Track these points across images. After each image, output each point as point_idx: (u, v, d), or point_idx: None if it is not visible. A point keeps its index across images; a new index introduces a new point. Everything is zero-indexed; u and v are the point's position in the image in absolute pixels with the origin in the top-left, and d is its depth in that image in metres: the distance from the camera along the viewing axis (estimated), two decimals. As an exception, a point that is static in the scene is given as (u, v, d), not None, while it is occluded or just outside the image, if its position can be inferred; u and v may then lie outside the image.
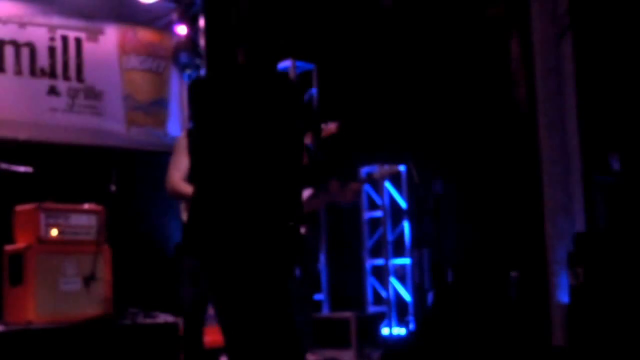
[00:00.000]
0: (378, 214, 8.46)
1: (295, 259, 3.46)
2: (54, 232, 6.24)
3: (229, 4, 3.64)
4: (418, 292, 7.94)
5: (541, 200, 7.19)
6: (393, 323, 8.11)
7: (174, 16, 8.44)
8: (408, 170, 8.13)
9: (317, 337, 6.84)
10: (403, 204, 8.34)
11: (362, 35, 8.29)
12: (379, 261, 8.38)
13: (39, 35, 7.58)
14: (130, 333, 6.10)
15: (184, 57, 8.38)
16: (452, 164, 7.70)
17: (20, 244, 6.21)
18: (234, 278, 3.28)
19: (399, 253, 8.28)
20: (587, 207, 7.17)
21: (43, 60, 7.58)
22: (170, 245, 7.56)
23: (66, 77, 7.71)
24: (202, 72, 8.47)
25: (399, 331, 8.05)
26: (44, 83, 7.58)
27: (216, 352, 5.78)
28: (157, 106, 8.30)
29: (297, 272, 4.57)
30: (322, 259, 8.39)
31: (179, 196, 4.87)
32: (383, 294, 8.31)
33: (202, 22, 8.52)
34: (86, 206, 6.48)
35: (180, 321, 5.69)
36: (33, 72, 7.53)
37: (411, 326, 7.95)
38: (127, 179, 6.70)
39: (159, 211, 7.54)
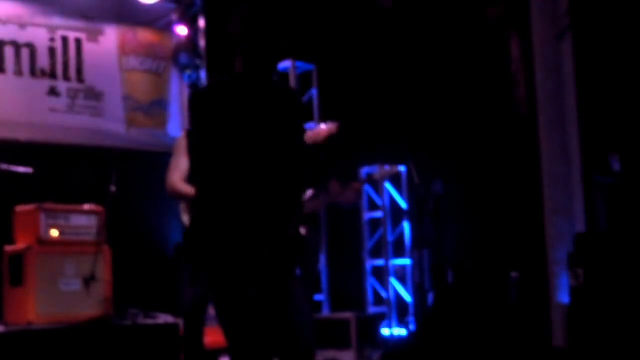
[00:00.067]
0: (378, 214, 8.45)
1: (296, 261, 3.46)
2: (54, 232, 6.24)
3: (229, 5, 3.64)
4: (418, 292, 7.93)
5: (541, 201, 7.19)
6: (393, 323, 8.11)
7: (174, 17, 8.44)
8: (408, 170, 8.12)
9: (317, 337, 6.83)
10: (403, 204, 8.34)
11: (362, 36, 8.29)
12: (379, 261, 8.38)
13: (39, 35, 7.58)
14: (130, 333, 6.09)
15: (183, 58, 8.38)
16: (452, 164, 7.69)
17: (20, 245, 6.21)
18: (235, 281, 3.28)
19: (399, 253, 8.28)
20: (587, 208, 7.17)
21: (43, 61, 7.58)
22: (170, 246, 7.55)
23: (66, 77, 7.71)
24: (202, 72, 8.46)
25: (399, 332, 8.05)
26: (44, 83, 7.58)
27: (216, 352, 5.78)
28: (157, 107, 8.30)
29: (298, 272, 4.56)
30: (322, 259, 8.38)
31: (179, 196, 4.87)
32: (383, 294, 8.31)
33: (202, 23, 8.52)
34: (86, 206, 6.48)
35: (180, 321, 5.69)
36: (33, 73, 7.53)
37: (411, 327, 7.95)
38: (127, 180, 6.70)
39: (158, 212, 7.54)
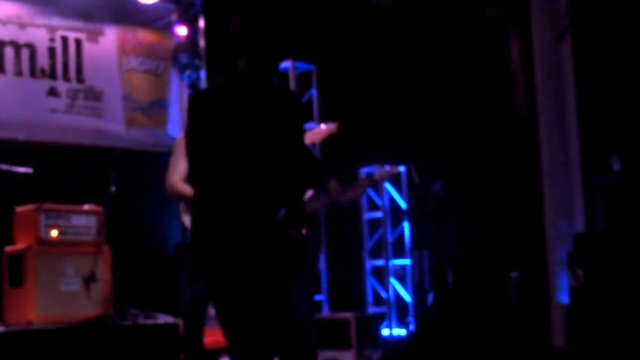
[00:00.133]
0: (378, 214, 8.45)
1: (296, 261, 3.46)
2: (54, 232, 6.24)
3: (229, 5, 3.64)
4: (418, 292, 7.93)
5: (541, 201, 7.19)
6: (393, 324, 8.11)
7: (174, 17, 8.43)
8: (408, 171, 8.11)
9: (318, 338, 6.83)
10: (403, 204, 8.34)
11: (362, 36, 8.29)
12: (379, 262, 8.38)
13: (38, 36, 7.58)
14: (130, 334, 6.09)
15: (183, 58, 8.37)
16: (452, 164, 7.70)
17: (20, 245, 6.21)
18: (235, 281, 3.28)
19: (399, 254, 8.28)
20: (587, 208, 7.17)
21: (43, 61, 7.57)
22: (170, 246, 7.55)
23: (66, 78, 7.71)
24: (202, 73, 8.46)
25: (399, 332, 8.05)
26: (44, 84, 7.57)
27: (216, 352, 5.78)
28: (157, 107, 8.30)
29: (298, 272, 4.56)
30: (322, 259, 8.38)
31: (179, 197, 4.87)
32: (383, 294, 8.31)
33: (201, 23, 8.51)
34: (86, 207, 6.47)
35: (180, 322, 5.69)
36: (33, 73, 7.52)
37: (411, 327, 7.95)
38: (127, 180, 6.69)
39: (158, 212, 7.54)
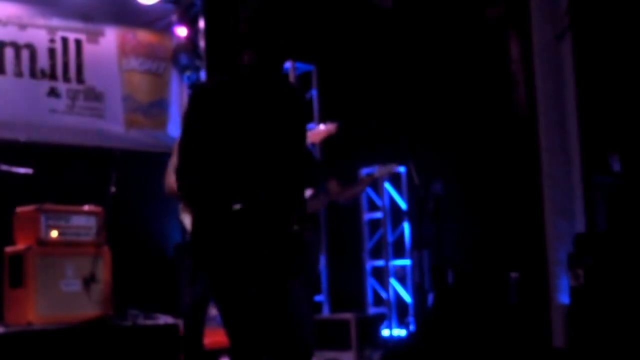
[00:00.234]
0: (378, 215, 8.45)
1: (296, 260, 3.46)
2: (54, 233, 6.24)
3: (229, 5, 3.62)
4: (418, 293, 7.93)
5: (541, 201, 7.19)
6: (393, 324, 8.11)
7: (174, 18, 8.44)
8: (408, 171, 8.12)
9: (318, 338, 6.83)
10: (403, 205, 8.33)
11: (362, 36, 8.29)
12: (379, 262, 8.38)
13: (39, 36, 7.58)
14: (131, 334, 6.09)
15: (183, 59, 8.37)
16: (452, 164, 7.70)
17: (20, 246, 6.21)
18: (235, 280, 3.28)
19: (399, 254, 8.28)
20: (587, 208, 7.17)
21: (43, 62, 7.58)
22: (170, 246, 7.56)
23: (66, 78, 7.71)
24: (202, 73, 8.46)
25: (399, 332, 8.04)
26: (44, 84, 7.58)
27: (216, 353, 5.78)
28: (157, 107, 8.30)
29: (299, 272, 4.57)
30: (322, 260, 8.38)
31: (178, 197, 4.87)
32: (383, 295, 8.31)
33: (202, 24, 8.51)
34: (86, 207, 6.48)
35: (180, 322, 5.69)
36: (33, 74, 7.53)
37: (411, 327, 7.94)
38: (127, 181, 6.69)
39: (158, 212, 7.54)
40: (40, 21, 7.60)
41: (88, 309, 6.22)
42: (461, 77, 7.70)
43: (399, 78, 8.10)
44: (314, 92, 8.59)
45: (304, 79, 8.58)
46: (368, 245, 8.53)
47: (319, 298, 8.37)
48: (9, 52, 7.40)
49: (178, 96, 8.40)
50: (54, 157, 7.43)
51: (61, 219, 6.32)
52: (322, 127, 5.56)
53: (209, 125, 3.35)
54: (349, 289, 8.48)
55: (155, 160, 7.29)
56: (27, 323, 5.93)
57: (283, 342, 3.32)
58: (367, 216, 8.56)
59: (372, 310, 8.31)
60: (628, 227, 6.73)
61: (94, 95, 7.86)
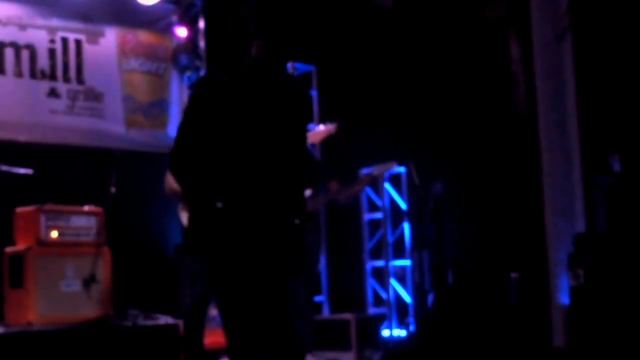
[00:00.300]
0: (378, 215, 8.45)
1: (296, 260, 3.46)
2: (54, 233, 6.25)
3: (229, 6, 3.60)
4: (418, 293, 7.93)
5: (541, 201, 7.19)
6: (393, 325, 8.10)
7: (174, 18, 8.44)
8: (408, 171, 8.12)
9: (318, 338, 6.83)
10: (403, 205, 8.33)
11: (362, 37, 8.29)
12: (379, 263, 8.38)
13: (39, 37, 7.58)
14: (131, 335, 6.09)
15: (184, 59, 8.37)
16: (452, 165, 7.70)
17: (20, 246, 6.22)
18: (235, 279, 3.27)
19: (399, 254, 8.28)
20: (587, 208, 7.16)
21: (43, 62, 7.58)
22: (170, 247, 7.56)
23: (66, 79, 7.71)
24: (202, 74, 8.45)
25: (400, 333, 8.04)
26: (44, 85, 7.58)
27: (216, 353, 5.78)
28: (157, 108, 8.30)
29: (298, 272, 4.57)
30: (323, 260, 8.38)
31: (178, 197, 4.87)
32: (383, 295, 8.31)
33: (202, 24, 8.51)
34: (86, 208, 6.48)
35: (180, 323, 5.69)
36: (33, 74, 7.53)
37: (411, 328, 7.94)
38: (127, 181, 6.69)
39: (158, 213, 7.54)
40: (40, 21, 7.60)
41: (88, 309, 6.22)
42: (461, 77, 7.70)
43: (399, 78, 8.10)
44: (314, 92, 8.59)
45: (304, 79, 8.57)
46: (368, 245, 8.53)
47: (319, 298, 8.37)
48: (9, 53, 7.40)
49: (178, 96, 8.40)
50: (54, 157, 7.43)
51: (61, 219, 6.33)
52: (322, 127, 5.57)
53: (210, 121, 3.31)
54: (349, 289, 8.48)
55: (155, 160, 7.29)
56: (27, 323, 5.93)
57: (281, 341, 3.31)
58: (367, 216, 8.56)
59: (372, 310, 8.31)
60: (628, 227, 6.72)
61: (94, 96, 7.86)
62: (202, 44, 8.50)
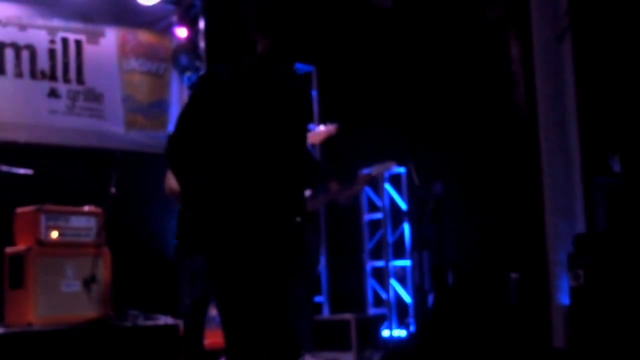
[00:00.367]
0: (378, 215, 8.45)
1: (297, 260, 3.45)
2: (54, 234, 6.25)
3: (229, 6, 3.58)
4: (418, 293, 7.93)
5: (541, 202, 7.19)
6: (393, 325, 8.11)
7: (174, 18, 8.43)
8: (408, 172, 8.12)
9: (318, 339, 6.83)
10: (403, 205, 8.34)
11: (362, 37, 8.29)
12: (379, 263, 8.38)
13: (39, 37, 7.58)
14: (131, 335, 6.09)
15: (184, 60, 8.36)
16: (452, 165, 7.70)
17: (20, 246, 6.22)
18: (236, 274, 3.27)
19: (399, 255, 8.28)
20: (587, 209, 7.17)
21: (43, 63, 7.57)
22: (170, 247, 7.54)
23: (66, 79, 7.71)
24: (202, 72, 8.45)
25: (400, 333, 8.04)
26: (44, 85, 7.58)
27: (216, 353, 5.78)
28: (158, 108, 8.30)
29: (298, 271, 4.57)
30: (323, 260, 8.38)
31: (177, 197, 4.87)
32: (383, 295, 8.31)
33: (202, 24, 8.51)
34: (86, 208, 6.48)
35: (180, 323, 5.69)
36: (33, 75, 7.52)
37: (411, 328, 7.94)
38: (127, 181, 6.69)
39: (158, 213, 7.53)
40: (41, 22, 7.60)
41: (88, 309, 6.22)
42: (461, 78, 7.70)
43: (399, 78, 8.10)
44: (314, 93, 8.59)
45: (304, 79, 8.58)
46: (368, 245, 8.53)
47: (319, 298, 8.37)
48: (9, 53, 7.40)
49: (178, 97, 8.40)
50: (54, 157, 7.43)
51: (61, 220, 6.33)
52: (322, 128, 5.57)
53: (210, 120, 3.29)
54: (349, 289, 8.48)
55: (155, 161, 7.27)
56: (27, 324, 5.93)
57: (280, 341, 3.31)
58: (367, 217, 8.56)
59: (372, 310, 8.32)
60: (628, 227, 6.72)
61: (94, 96, 7.86)
62: (202, 44, 8.49)
